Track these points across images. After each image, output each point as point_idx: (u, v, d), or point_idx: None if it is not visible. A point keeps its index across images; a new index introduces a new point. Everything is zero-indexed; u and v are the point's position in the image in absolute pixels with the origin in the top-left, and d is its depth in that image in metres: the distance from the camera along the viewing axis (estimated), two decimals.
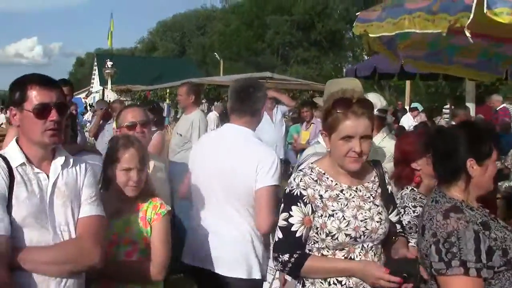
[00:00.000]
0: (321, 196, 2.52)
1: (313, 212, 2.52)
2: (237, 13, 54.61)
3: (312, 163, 2.72)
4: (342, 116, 2.46)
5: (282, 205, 2.60)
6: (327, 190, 2.54)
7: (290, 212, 2.53)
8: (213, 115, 16.65)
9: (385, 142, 4.14)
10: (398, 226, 2.81)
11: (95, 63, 49.47)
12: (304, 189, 2.53)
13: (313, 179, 2.57)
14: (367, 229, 2.49)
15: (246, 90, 3.49)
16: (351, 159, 2.48)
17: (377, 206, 2.59)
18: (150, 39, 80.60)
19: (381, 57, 7.90)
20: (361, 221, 2.50)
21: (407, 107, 18.23)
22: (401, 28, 3.88)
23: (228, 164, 3.36)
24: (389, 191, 2.76)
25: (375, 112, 3.84)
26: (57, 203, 2.41)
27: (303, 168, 2.70)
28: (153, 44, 77.26)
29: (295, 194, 2.54)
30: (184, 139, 6.49)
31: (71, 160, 2.54)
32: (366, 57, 51.43)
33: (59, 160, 2.47)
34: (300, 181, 2.56)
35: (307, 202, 2.52)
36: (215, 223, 3.42)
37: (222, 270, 3.35)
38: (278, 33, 50.75)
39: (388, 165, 3.44)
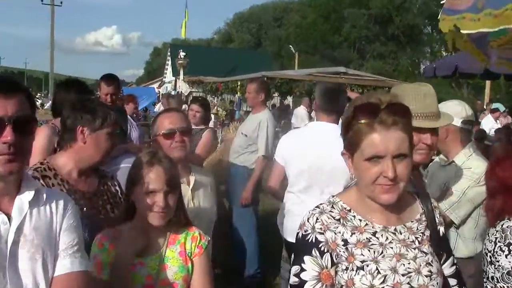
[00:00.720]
0: (345, 242, 1.82)
1: (334, 264, 1.81)
2: (314, 6, 53.70)
3: (333, 196, 1.99)
4: (366, 127, 1.76)
5: (293, 255, 1.91)
6: (354, 233, 1.84)
7: (303, 265, 1.82)
8: (303, 111, 16.21)
9: (471, 162, 3.28)
10: (454, 282, 2.06)
11: (169, 53, 50.01)
12: (321, 233, 1.83)
13: (334, 217, 1.87)
14: (412, 287, 1.81)
15: (333, 92, 4.12)
16: (382, 187, 1.77)
17: (425, 254, 1.89)
18: (226, 30, 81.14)
19: (463, 54, 6.96)
20: (404, 275, 1.81)
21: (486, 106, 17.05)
22: (506, 22, 3.03)
23: (329, 156, 3.67)
24: (441, 233, 2.04)
25: (459, 123, 3.30)
26: (23, 256, 1.75)
27: (320, 204, 1.96)
28: (229, 35, 77.74)
29: (309, 240, 1.84)
30: (248, 140, 5.97)
31: (44, 194, 1.88)
32: (444, 53, 49.98)
33: (27, 195, 1.81)
34: (316, 221, 1.85)
35: (326, 250, 1.82)
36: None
37: None
38: (355, 27, 49.57)
39: (475, 191, 2.98)
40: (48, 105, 28.41)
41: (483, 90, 21.11)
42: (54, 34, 45.87)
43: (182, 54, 31.84)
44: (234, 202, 6.04)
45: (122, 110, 6.68)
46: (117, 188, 2.87)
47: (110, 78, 5.59)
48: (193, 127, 6.00)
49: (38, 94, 45.79)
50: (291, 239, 3.56)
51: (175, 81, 34.91)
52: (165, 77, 52.30)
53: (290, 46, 47.19)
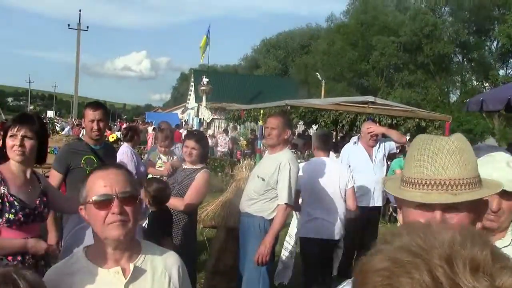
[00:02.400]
0: None
1: None
2: (342, 33, 52.98)
3: None
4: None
5: None
6: None
7: None
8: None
9: None
10: None
11: (192, 79, 49.63)
12: None
13: None
14: None
15: (326, 136, 6.38)
16: None
17: None
18: (253, 56, 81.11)
19: None
20: None
21: None
22: None
23: (336, 178, 5.83)
24: None
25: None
26: None
27: None
28: (256, 62, 77.60)
29: None
30: (266, 186, 5.05)
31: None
32: (475, 83, 48.69)
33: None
34: None
35: None
36: (327, 213, 5.80)
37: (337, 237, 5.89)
38: (383, 55, 48.60)
39: None
40: (67, 129, 28.12)
41: None
42: (79, 58, 46.58)
43: (205, 80, 31.48)
44: (246, 257, 5.14)
45: (110, 146, 5.92)
46: None
47: (96, 103, 5.12)
48: (188, 166, 5.27)
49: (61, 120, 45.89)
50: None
51: (198, 107, 34.57)
52: (188, 103, 51.91)
53: (317, 73, 46.50)
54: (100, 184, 2.02)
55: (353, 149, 7.28)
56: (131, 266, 2.06)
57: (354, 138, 7.57)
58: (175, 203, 4.89)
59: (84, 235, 3.05)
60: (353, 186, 5.96)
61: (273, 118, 5.25)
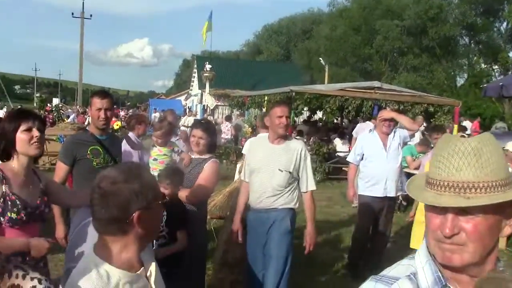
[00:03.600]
0: None
1: None
2: (345, 18, 52.45)
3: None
4: None
5: None
6: None
7: None
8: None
9: None
10: None
11: (195, 66, 49.28)
12: None
13: None
14: None
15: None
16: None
17: None
18: (255, 42, 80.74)
19: None
20: None
21: None
22: None
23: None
24: None
25: None
26: None
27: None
28: (258, 47, 77.23)
29: None
30: (290, 177, 4.96)
31: None
32: (483, 65, 48.05)
33: None
34: None
35: None
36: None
37: None
38: (387, 39, 48.09)
39: None
40: (72, 117, 27.84)
41: None
42: (83, 46, 46.67)
43: (208, 66, 31.08)
44: (273, 251, 4.95)
45: (115, 136, 5.70)
46: None
47: (103, 92, 4.97)
48: (196, 156, 5.03)
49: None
50: None
51: (201, 94, 34.25)
52: (191, 90, 51.58)
53: (320, 58, 46.10)
54: None
55: (368, 137, 7.04)
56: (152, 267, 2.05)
57: (369, 125, 7.40)
58: (183, 194, 4.71)
59: (90, 230, 2.95)
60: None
61: (281, 107, 5.03)
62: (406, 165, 10.49)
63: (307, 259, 7.39)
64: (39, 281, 3.03)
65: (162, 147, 5.85)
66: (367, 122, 13.61)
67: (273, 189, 4.93)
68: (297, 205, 5.07)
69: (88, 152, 4.67)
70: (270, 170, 4.95)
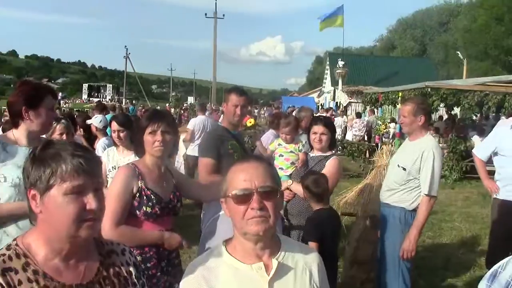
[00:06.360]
0: None
1: None
2: (486, 7, 49.60)
3: None
4: None
5: None
6: None
7: None
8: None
9: None
10: None
11: (328, 62, 49.22)
12: None
13: None
14: None
15: None
16: None
17: None
18: (389, 37, 78.98)
19: None
20: None
21: None
22: None
23: None
24: None
25: None
26: None
27: None
28: (391, 42, 75.49)
29: None
30: (407, 175, 4.76)
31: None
32: None
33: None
34: None
35: None
36: None
37: None
38: None
39: None
40: (206, 114, 28.94)
41: None
42: (216, 46, 48.23)
43: (341, 63, 31.08)
44: (384, 250, 4.93)
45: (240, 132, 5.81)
46: (131, 269, 1.98)
47: (241, 89, 5.05)
48: (317, 154, 5.08)
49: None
50: None
51: (334, 91, 34.26)
52: (324, 87, 51.66)
53: (458, 52, 44.08)
54: (240, 178, 1.97)
55: (507, 132, 6.06)
56: (274, 262, 2.00)
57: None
58: (299, 189, 4.75)
59: (220, 224, 3.10)
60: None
61: (405, 105, 4.99)
62: None
63: (442, 261, 7.31)
64: None
65: (288, 144, 5.60)
66: (510, 118, 12.91)
67: (389, 184, 4.93)
68: (412, 206, 4.76)
69: (229, 146, 4.73)
70: (393, 165, 4.99)
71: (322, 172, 4.79)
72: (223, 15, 50.25)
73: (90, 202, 1.63)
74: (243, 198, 1.94)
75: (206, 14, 49.57)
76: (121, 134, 5.54)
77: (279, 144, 5.61)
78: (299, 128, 6.50)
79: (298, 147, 5.47)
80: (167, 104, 47.88)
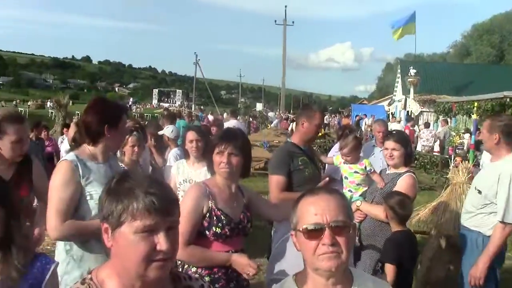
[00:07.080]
0: None
1: None
2: None
3: None
4: None
5: None
6: None
7: None
8: None
9: None
10: None
11: (399, 70, 48.23)
12: None
13: None
14: None
15: None
16: None
17: None
18: (463, 43, 76.74)
19: None
20: None
21: None
22: None
23: None
24: None
25: None
26: None
27: None
28: (466, 49, 73.28)
29: None
30: (484, 199, 4.44)
31: None
32: None
33: None
34: None
35: None
36: None
37: None
38: None
39: None
40: (275, 123, 28.83)
41: None
42: (285, 52, 48.29)
43: (412, 71, 30.33)
44: (463, 277, 4.67)
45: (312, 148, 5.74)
46: None
47: (323, 109, 5.16)
48: (392, 171, 4.95)
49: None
50: None
51: (405, 99, 33.49)
52: (394, 95, 50.63)
53: None
54: (311, 211, 1.92)
55: None
56: None
57: None
58: (376, 212, 4.68)
59: (290, 247, 3.04)
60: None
61: (484, 123, 4.70)
62: None
63: None
64: None
65: (352, 164, 5.45)
66: None
67: (467, 207, 4.68)
68: (490, 232, 4.41)
69: (300, 163, 4.79)
70: (472, 186, 4.73)
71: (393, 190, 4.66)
72: (293, 22, 50.33)
73: (161, 242, 1.59)
74: (314, 234, 1.89)
75: (275, 21, 49.77)
76: (199, 144, 5.52)
77: (345, 163, 5.48)
78: (362, 146, 6.21)
79: (364, 167, 5.30)
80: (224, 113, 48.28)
